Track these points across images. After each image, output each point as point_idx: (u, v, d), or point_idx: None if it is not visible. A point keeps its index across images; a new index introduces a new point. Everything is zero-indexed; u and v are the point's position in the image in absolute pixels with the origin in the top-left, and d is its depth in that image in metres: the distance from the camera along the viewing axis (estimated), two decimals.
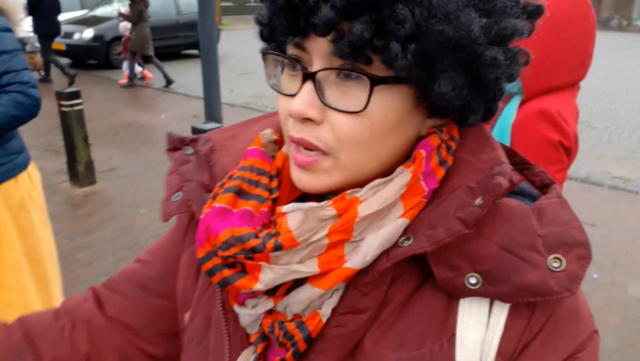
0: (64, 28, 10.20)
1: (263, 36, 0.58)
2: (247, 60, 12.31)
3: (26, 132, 2.16)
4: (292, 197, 0.61)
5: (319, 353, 0.53)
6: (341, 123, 0.51)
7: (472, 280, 0.49)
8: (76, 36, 10.76)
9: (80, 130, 4.70)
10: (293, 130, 0.53)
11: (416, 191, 0.53)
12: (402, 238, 0.51)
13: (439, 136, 0.55)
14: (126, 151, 5.95)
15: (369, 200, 0.52)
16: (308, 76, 0.51)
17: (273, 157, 0.62)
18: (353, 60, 0.48)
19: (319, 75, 0.51)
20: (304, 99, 0.51)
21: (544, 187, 0.57)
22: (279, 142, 0.63)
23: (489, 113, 0.58)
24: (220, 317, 0.60)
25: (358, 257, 0.51)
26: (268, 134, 0.63)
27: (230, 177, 0.60)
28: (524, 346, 0.50)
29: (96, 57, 10.91)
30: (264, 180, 0.59)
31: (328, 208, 0.52)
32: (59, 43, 10.30)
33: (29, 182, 2.05)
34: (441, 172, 0.54)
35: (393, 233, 0.52)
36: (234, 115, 7.11)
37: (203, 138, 0.69)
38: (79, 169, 4.76)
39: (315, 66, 0.51)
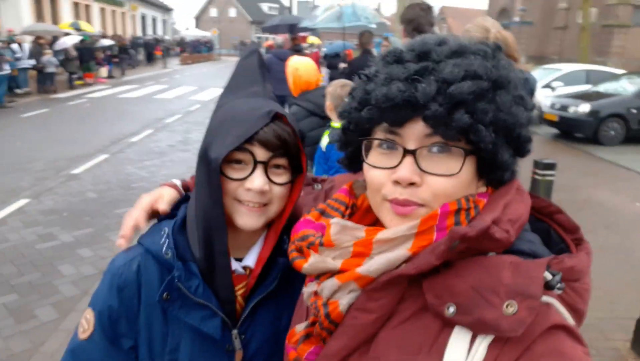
0: (562, 101, 11.49)
1: (349, 130, 0.81)
2: None
3: None
4: (361, 223, 0.82)
5: (341, 335, 0.74)
6: (438, 183, 0.71)
7: (451, 309, 0.65)
8: (571, 109, 11.29)
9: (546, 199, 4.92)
10: (396, 193, 0.72)
11: (427, 237, 0.70)
12: (403, 264, 0.70)
13: (458, 202, 0.71)
14: (583, 228, 5.82)
15: (387, 230, 0.72)
16: (410, 152, 0.71)
17: (358, 195, 0.88)
18: (449, 139, 0.69)
19: (419, 150, 0.71)
20: (409, 169, 0.70)
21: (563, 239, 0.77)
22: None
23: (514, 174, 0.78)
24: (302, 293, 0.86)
25: (365, 266, 0.72)
26: (360, 181, 0.88)
27: (323, 203, 0.89)
28: None
29: (585, 131, 11.12)
30: (341, 208, 0.85)
31: (361, 230, 0.75)
32: (552, 114, 11.64)
33: None
34: None
35: (394, 258, 0.70)
36: None
37: (329, 180, 1.06)
38: None
39: (411, 144, 0.71)
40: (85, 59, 19.28)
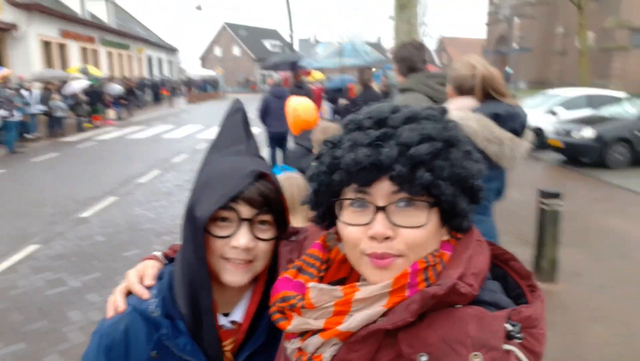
0: (565, 127, 11.20)
1: (319, 192, 0.85)
2: None
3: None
4: (336, 277, 0.90)
5: None
6: (409, 235, 0.77)
7: (424, 358, 0.70)
8: (575, 135, 11.13)
9: (553, 229, 4.80)
10: (373, 247, 0.77)
11: (400, 294, 0.76)
12: (380, 318, 0.75)
13: (426, 260, 0.77)
14: (596, 258, 5.72)
15: (363, 289, 0.77)
16: (381, 209, 0.77)
17: (331, 248, 0.92)
18: (414, 194, 0.76)
19: (388, 207, 0.77)
20: (382, 224, 0.76)
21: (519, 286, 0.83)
22: (339, 239, 0.90)
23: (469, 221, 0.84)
24: (283, 347, 0.90)
25: (346, 323, 0.77)
26: (332, 233, 0.92)
27: (299, 259, 0.91)
28: None
29: (591, 156, 10.93)
30: (317, 263, 0.89)
31: (339, 291, 0.79)
32: (556, 140, 11.47)
33: None
34: (422, 286, 0.76)
35: (372, 314, 0.76)
36: None
37: (304, 230, 1.04)
38: (543, 264, 4.88)
39: (380, 201, 0.77)
40: (94, 102, 19.71)
